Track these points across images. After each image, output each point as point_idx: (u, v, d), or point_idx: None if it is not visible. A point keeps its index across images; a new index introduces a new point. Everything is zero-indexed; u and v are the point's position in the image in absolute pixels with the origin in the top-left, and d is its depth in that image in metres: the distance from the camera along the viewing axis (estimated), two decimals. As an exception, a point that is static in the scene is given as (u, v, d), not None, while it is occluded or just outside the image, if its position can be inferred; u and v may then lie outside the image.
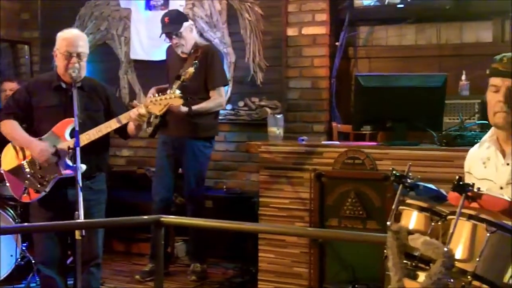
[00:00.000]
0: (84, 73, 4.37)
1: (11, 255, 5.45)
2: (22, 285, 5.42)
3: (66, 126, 4.29)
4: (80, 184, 3.92)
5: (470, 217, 2.35)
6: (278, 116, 5.45)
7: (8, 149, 4.45)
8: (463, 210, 2.35)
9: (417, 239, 2.42)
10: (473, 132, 4.70)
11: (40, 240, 4.44)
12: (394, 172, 2.65)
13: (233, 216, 5.37)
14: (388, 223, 2.56)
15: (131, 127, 4.43)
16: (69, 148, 4.17)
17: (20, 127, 4.37)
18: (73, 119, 4.10)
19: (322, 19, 6.41)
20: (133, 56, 7.32)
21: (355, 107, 5.19)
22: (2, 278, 5.41)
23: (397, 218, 2.66)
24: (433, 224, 2.56)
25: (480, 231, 2.33)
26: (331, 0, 6.40)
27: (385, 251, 2.52)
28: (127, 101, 7.28)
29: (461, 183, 2.35)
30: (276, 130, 5.32)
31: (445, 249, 2.29)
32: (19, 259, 5.50)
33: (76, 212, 3.82)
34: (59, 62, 4.35)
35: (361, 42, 6.55)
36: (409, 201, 2.67)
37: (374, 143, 5.08)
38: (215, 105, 5.75)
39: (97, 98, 4.45)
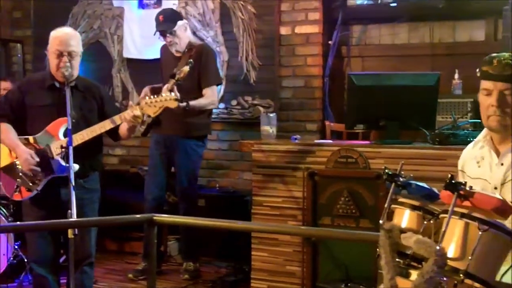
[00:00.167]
0: (76, 72, 4.35)
1: (4, 254, 5.44)
2: (15, 284, 5.40)
3: (60, 125, 4.27)
4: (73, 183, 3.91)
5: (462, 215, 2.36)
6: (271, 115, 5.46)
7: (1, 147, 4.43)
8: (456, 209, 2.35)
9: (410, 238, 2.42)
10: (465, 131, 4.71)
11: (32, 239, 4.42)
12: (386, 170, 2.65)
13: (225, 214, 5.37)
14: (380, 221, 2.56)
15: (123, 129, 4.41)
16: (62, 147, 4.17)
17: (12, 129, 4.33)
18: (67, 118, 4.09)
19: (315, 18, 6.41)
20: (126, 54, 7.31)
21: (348, 106, 5.19)
22: (-6, 277, 5.41)
23: (390, 216, 2.66)
24: (425, 222, 2.57)
25: (472, 229, 2.33)
26: (324, -1, 6.41)
27: (377, 249, 2.53)
28: (120, 100, 7.28)
29: (453, 181, 2.36)
30: (269, 129, 5.33)
31: (438, 247, 2.29)
32: (11, 258, 5.49)
33: (69, 211, 3.81)
34: (51, 61, 4.33)
35: (354, 41, 6.55)
36: (401, 199, 2.68)
37: (367, 142, 5.08)
38: (208, 102, 5.75)
39: (91, 98, 4.44)
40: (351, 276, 4.65)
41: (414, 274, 2.41)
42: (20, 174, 4.30)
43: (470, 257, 2.29)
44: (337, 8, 6.39)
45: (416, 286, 2.29)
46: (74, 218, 3.80)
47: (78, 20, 7.52)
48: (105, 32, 7.45)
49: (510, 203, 2.48)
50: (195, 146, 5.83)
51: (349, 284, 4.62)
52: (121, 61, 7.37)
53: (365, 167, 4.73)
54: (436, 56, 6.10)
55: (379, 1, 6.29)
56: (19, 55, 7.93)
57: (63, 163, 4.18)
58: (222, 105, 6.73)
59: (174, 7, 6.66)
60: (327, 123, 6.09)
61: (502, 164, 2.92)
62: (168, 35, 5.75)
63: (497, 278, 2.38)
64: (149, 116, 5.14)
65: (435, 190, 2.68)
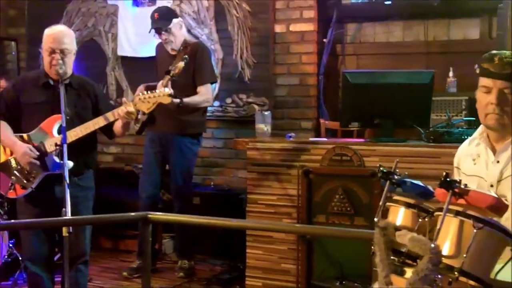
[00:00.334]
0: (70, 70, 4.35)
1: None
2: (9, 282, 5.39)
3: (54, 123, 4.26)
4: (67, 181, 3.90)
5: (457, 213, 2.36)
6: (266, 113, 5.46)
7: (-5, 145, 4.44)
8: (450, 207, 2.35)
9: (404, 235, 2.42)
10: (460, 129, 4.72)
11: (27, 237, 4.41)
12: (381, 168, 2.65)
13: (220, 212, 5.41)
14: (375, 219, 2.56)
15: (117, 126, 4.41)
16: (56, 144, 4.16)
17: (8, 127, 4.33)
18: (61, 115, 4.08)
19: (310, 16, 6.41)
20: (120, 52, 7.30)
21: (342, 103, 5.20)
22: (-11, 275, 5.40)
23: (385, 214, 2.66)
24: (420, 220, 2.57)
25: (467, 227, 2.33)
26: (319, -3, 6.41)
27: (372, 247, 2.53)
28: (114, 98, 7.27)
29: (448, 179, 2.36)
30: (263, 127, 5.32)
31: (432, 245, 2.29)
32: (6, 256, 5.48)
33: (64, 209, 3.80)
34: (45, 59, 4.33)
35: (349, 39, 6.56)
36: (396, 197, 2.68)
37: (362, 140, 5.09)
38: (203, 100, 5.74)
39: (86, 95, 4.43)
40: (346, 274, 4.65)
41: (409, 272, 2.41)
42: (15, 171, 4.30)
43: (464, 255, 2.29)
44: (332, 6, 6.39)
45: (411, 284, 2.29)
46: (69, 216, 3.80)
47: (72, 18, 7.51)
48: (99, 30, 7.43)
49: (505, 201, 2.48)
50: (190, 144, 5.83)
51: (343, 282, 4.62)
52: (116, 59, 7.36)
53: (360, 165, 4.73)
54: (430, 54, 6.11)
55: (374, -1, 6.31)
56: (13, 53, 7.91)
57: (58, 160, 4.18)
58: (217, 103, 6.73)
59: (169, 5, 6.65)
60: (321, 121, 6.10)
61: (498, 162, 2.92)
62: (163, 32, 5.74)
63: (492, 275, 2.39)
64: (144, 113, 5.14)
65: (430, 188, 2.68)
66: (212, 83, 5.98)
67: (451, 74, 5.75)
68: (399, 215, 2.63)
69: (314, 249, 4.90)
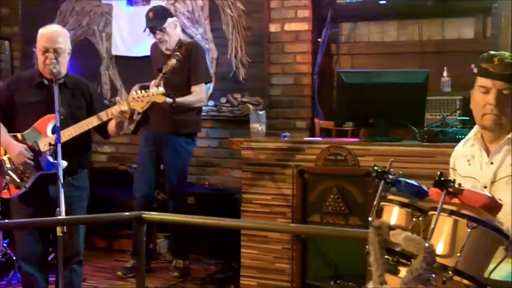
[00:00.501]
0: (64, 70, 4.34)
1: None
2: (3, 282, 5.38)
3: (48, 122, 4.26)
4: (62, 181, 3.90)
5: (451, 212, 2.36)
6: (261, 112, 5.46)
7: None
8: (444, 206, 2.36)
9: (399, 235, 2.43)
10: (454, 128, 4.73)
11: (21, 236, 4.41)
12: (376, 168, 2.65)
13: (215, 212, 5.41)
14: (369, 219, 2.56)
15: (111, 126, 4.40)
16: (50, 144, 4.15)
17: (3, 127, 4.32)
18: (55, 115, 4.07)
19: (305, 16, 6.40)
20: (114, 52, 7.29)
21: (337, 103, 5.20)
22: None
23: (379, 214, 2.66)
24: (414, 219, 2.57)
25: (461, 226, 2.34)
26: (314, -4, 6.41)
27: (367, 246, 2.53)
28: (108, 97, 7.26)
29: (442, 179, 2.36)
30: (258, 126, 5.32)
31: (426, 244, 2.29)
32: (0, 256, 5.46)
33: (58, 209, 3.80)
34: (39, 58, 4.33)
35: (343, 39, 6.56)
36: (390, 197, 2.68)
37: (356, 140, 5.09)
38: (197, 100, 5.73)
39: (80, 95, 4.43)
40: (340, 273, 4.66)
41: (403, 271, 2.41)
42: (9, 171, 4.29)
43: (459, 254, 2.29)
44: (327, 5, 6.39)
45: (405, 283, 2.29)
46: (63, 215, 3.79)
47: (67, 17, 7.50)
48: (93, 29, 7.42)
49: (498, 200, 2.49)
50: (185, 144, 5.83)
51: (338, 281, 4.62)
52: (110, 58, 7.35)
53: (354, 165, 4.73)
54: (425, 53, 6.11)
55: (368, -1, 6.31)
56: (6, 52, 7.89)
57: (52, 160, 4.17)
58: (211, 103, 6.72)
59: (163, 4, 6.65)
60: (316, 120, 6.10)
61: (492, 163, 2.92)
62: (157, 32, 5.73)
63: (486, 275, 2.39)
64: (138, 113, 5.14)
65: (424, 187, 2.68)
66: (206, 83, 5.98)
67: (445, 73, 5.75)
68: (394, 215, 2.63)
69: (309, 248, 4.90)
